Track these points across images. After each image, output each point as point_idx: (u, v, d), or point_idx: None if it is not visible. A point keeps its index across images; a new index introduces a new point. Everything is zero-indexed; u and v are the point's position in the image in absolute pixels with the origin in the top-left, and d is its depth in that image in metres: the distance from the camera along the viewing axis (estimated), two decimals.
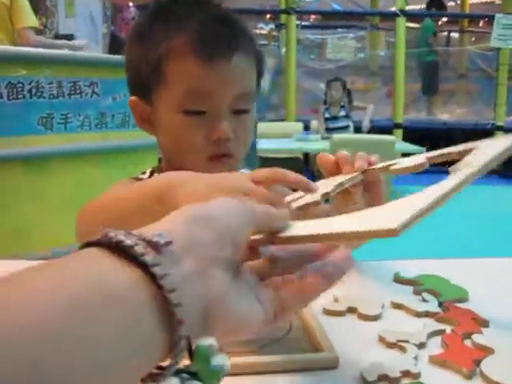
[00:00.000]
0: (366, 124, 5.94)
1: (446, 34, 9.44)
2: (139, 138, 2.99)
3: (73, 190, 2.75)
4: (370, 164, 0.74)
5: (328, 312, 0.74)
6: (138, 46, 0.94)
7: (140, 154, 2.97)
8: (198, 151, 0.91)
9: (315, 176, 6.28)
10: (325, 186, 0.67)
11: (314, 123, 6.31)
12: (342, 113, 5.91)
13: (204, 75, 0.87)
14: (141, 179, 0.98)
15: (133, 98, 0.97)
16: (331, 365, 0.60)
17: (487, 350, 0.63)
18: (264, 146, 5.34)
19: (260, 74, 0.99)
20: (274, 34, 8.84)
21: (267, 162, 5.59)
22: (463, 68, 9.03)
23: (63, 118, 2.77)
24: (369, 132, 5.78)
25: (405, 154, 6.46)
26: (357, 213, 0.48)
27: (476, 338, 0.66)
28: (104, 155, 2.94)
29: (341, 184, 0.69)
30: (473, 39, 9.28)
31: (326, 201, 0.65)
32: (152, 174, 1.02)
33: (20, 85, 2.60)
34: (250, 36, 0.95)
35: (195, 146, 0.91)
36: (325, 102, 6.03)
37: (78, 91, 2.84)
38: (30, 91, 2.62)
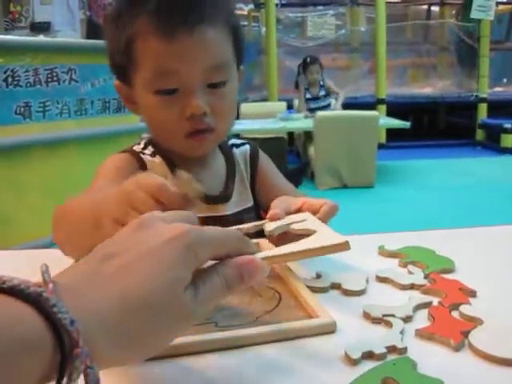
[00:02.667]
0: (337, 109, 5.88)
1: (426, 7, 9.39)
2: (120, 124, 2.95)
3: (54, 179, 2.71)
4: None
5: (310, 289, 0.71)
6: (111, 30, 0.95)
7: (122, 139, 2.93)
8: (175, 130, 0.92)
9: (299, 156, 6.27)
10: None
11: (296, 102, 6.28)
12: (322, 92, 5.89)
13: (168, 53, 0.87)
14: (134, 151, 1.01)
15: (116, 81, 0.99)
16: (329, 329, 0.59)
17: (475, 321, 0.61)
18: (247, 126, 5.31)
19: (238, 41, 0.97)
20: (254, 14, 8.76)
21: None
22: (445, 41, 9.00)
23: (41, 106, 2.73)
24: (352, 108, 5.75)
25: (389, 129, 6.47)
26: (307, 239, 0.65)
27: (464, 308, 0.64)
28: (85, 142, 2.90)
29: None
30: (453, 12, 9.23)
31: None
32: (146, 146, 1.02)
33: None
34: (215, 4, 0.92)
35: (171, 125, 0.91)
36: (296, 86, 6.01)
37: (55, 78, 2.79)
38: (5, 80, 2.57)
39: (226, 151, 1.09)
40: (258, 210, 1.08)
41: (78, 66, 2.89)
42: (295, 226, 0.75)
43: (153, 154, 1.01)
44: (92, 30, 5.69)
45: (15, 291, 0.36)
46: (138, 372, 0.52)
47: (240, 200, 1.04)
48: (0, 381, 0.33)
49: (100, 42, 3.23)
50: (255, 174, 1.09)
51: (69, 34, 5.27)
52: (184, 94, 0.89)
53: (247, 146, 1.12)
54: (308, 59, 5.94)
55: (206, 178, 0.99)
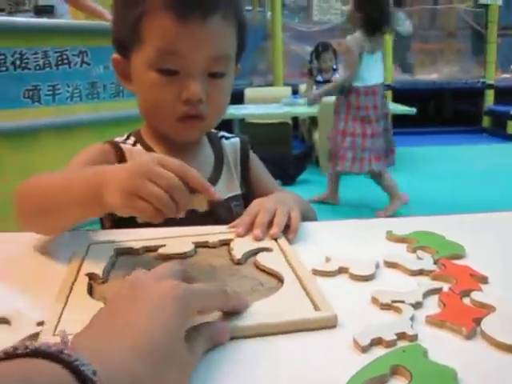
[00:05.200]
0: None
1: None
2: (134, 108, 2.89)
3: (64, 164, 2.67)
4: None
5: (318, 273, 0.69)
6: (119, 5, 0.97)
7: (135, 123, 2.85)
8: (169, 111, 0.93)
9: (304, 141, 6.23)
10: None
11: (302, 87, 6.22)
12: (336, 76, 5.80)
13: (177, 34, 0.88)
14: (116, 143, 1.03)
15: (115, 55, 1.00)
16: (329, 324, 0.57)
17: (487, 308, 0.59)
18: (252, 111, 5.28)
19: (242, 38, 0.99)
20: None
21: (256, 127, 5.53)
22: (452, 26, 8.92)
23: (51, 90, 2.69)
24: None
25: (395, 115, 6.45)
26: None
27: (475, 295, 0.62)
28: (96, 127, 2.85)
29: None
30: None
31: None
32: (128, 137, 1.05)
33: (2, 57, 2.51)
34: None
35: (166, 105, 0.93)
36: (309, 72, 5.92)
37: (65, 61, 2.75)
38: (13, 63, 2.54)
39: (215, 141, 1.11)
40: (248, 200, 1.06)
41: (89, 49, 2.84)
42: (260, 258, 0.73)
43: (134, 144, 1.03)
44: None
45: (39, 353, 0.38)
46: None
47: (227, 188, 1.06)
48: None
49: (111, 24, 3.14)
50: (247, 166, 1.12)
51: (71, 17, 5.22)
52: (184, 78, 0.91)
53: (237, 139, 1.14)
54: (320, 47, 5.86)
55: (191, 166, 1.01)
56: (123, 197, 0.64)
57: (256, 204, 0.87)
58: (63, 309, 0.59)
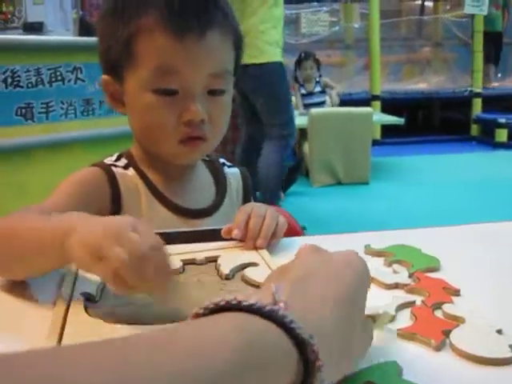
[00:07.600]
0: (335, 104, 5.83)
1: (420, 2, 9.39)
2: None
3: (59, 182, 2.62)
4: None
5: None
6: (109, 22, 0.91)
7: (133, 141, 2.80)
8: (170, 133, 0.89)
9: (295, 153, 6.26)
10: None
11: (292, 99, 6.25)
12: (318, 88, 5.83)
13: (174, 52, 0.84)
14: (107, 167, 0.95)
15: (104, 76, 0.94)
16: None
17: (458, 320, 0.61)
18: None
19: (239, 53, 0.96)
20: None
21: None
22: (438, 36, 9.00)
23: (44, 107, 2.67)
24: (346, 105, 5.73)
25: (384, 125, 6.46)
26: None
27: (446, 308, 0.64)
28: (92, 144, 2.79)
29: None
30: (447, 7, 9.23)
31: None
32: (119, 158, 0.99)
33: None
34: (225, 11, 0.90)
35: (166, 128, 0.88)
36: (296, 80, 5.93)
37: (59, 78, 2.72)
38: (4, 81, 2.53)
39: (216, 166, 1.07)
40: None
41: (84, 65, 2.81)
42: (248, 273, 0.74)
43: (126, 167, 0.96)
44: (84, 30, 5.67)
45: (253, 309, 0.37)
46: None
47: (226, 217, 0.98)
48: None
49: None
50: (248, 200, 1.08)
51: (62, 33, 5.21)
52: (183, 98, 0.86)
53: (237, 170, 1.11)
54: (302, 55, 5.90)
55: (189, 192, 0.99)
56: (86, 253, 0.56)
57: (249, 206, 0.87)
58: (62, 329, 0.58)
